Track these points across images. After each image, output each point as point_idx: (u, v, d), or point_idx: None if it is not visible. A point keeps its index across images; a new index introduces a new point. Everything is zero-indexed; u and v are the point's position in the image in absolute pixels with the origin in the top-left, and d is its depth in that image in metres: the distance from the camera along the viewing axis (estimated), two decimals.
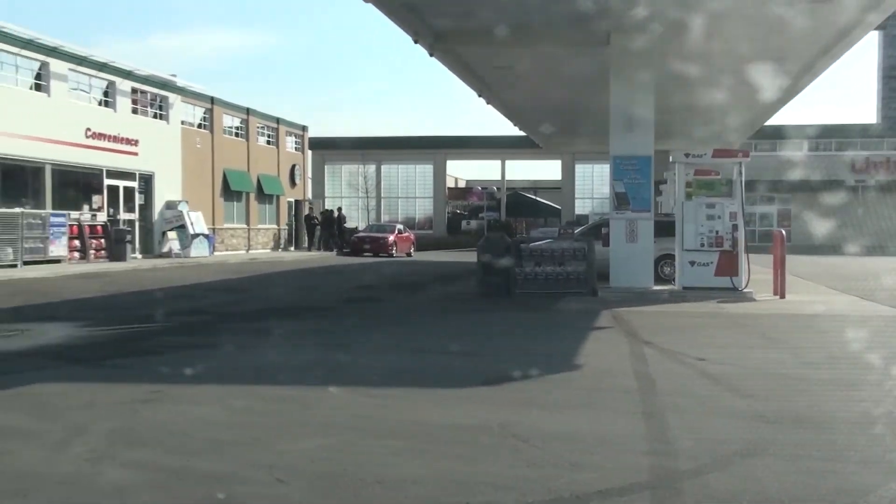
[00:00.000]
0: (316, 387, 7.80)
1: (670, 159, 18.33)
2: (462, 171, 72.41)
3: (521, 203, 69.57)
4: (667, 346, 10.28)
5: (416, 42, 17.98)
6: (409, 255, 41.33)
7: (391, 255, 39.62)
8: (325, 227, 43.13)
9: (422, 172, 66.47)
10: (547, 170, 66.68)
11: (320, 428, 6.25)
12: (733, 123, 29.17)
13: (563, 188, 63.78)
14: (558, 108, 26.30)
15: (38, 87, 24.83)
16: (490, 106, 27.07)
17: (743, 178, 16.89)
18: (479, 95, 25.04)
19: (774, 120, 33.87)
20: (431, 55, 19.00)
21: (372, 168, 63.87)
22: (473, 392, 7.64)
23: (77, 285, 19.30)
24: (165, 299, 17.22)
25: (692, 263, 16.68)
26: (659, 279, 18.21)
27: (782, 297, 16.30)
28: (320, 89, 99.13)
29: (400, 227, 43.90)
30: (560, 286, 16.99)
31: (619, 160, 17.29)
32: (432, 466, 5.27)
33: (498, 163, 65.31)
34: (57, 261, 23.97)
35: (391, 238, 40.71)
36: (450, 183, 66.81)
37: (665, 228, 18.03)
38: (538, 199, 71.05)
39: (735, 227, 16.49)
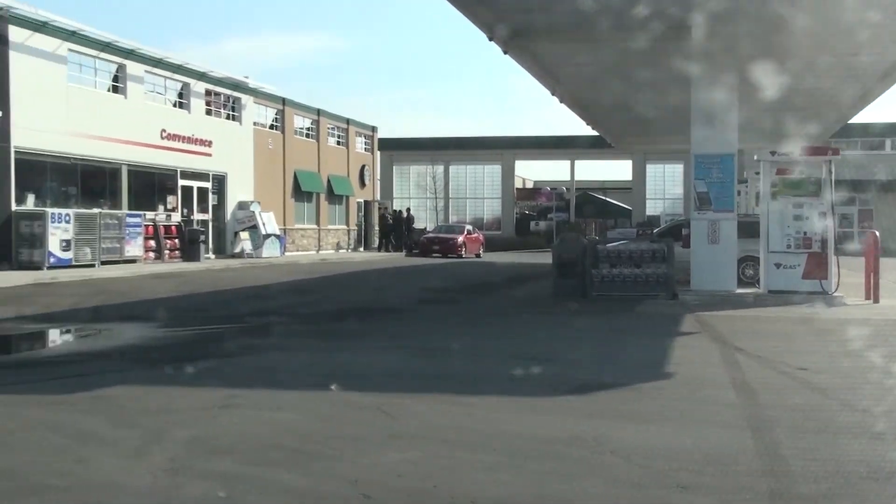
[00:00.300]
0: (398, 393, 7.51)
1: (755, 157, 17.64)
2: (530, 171, 71.80)
3: (590, 204, 68.67)
4: (761, 353, 9.74)
5: (490, 39, 17.63)
6: (478, 256, 41.03)
7: (460, 256, 39.34)
8: (395, 228, 43.15)
9: (490, 173, 66.13)
10: (617, 170, 65.69)
11: (406, 439, 5.94)
12: (819, 119, 28.14)
13: (634, 189, 62.74)
14: (635, 106, 25.66)
15: (115, 90, 25.17)
16: (562, 105, 26.58)
17: (833, 177, 16.13)
18: (553, 94, 24.57)
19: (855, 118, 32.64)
20: (506, 53, 18.63)
21: (440, 169, 63.80)
22: (562, 402, 7.26)
23: (152, 285, 19.42)
24: (239, 300, 17.19)
25: (778, 266, 15.98)
26: (740, 282, 17.53)
27: (876, 301, 15.51)
28: (388, 91, 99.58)
29: (469, 227, 43.60)
30: (638, 289, 16.45)
31: (701, 158, 16.68)
32: (527, 484, 4.91)
33: (566, 163, 64.59)
34: (132, 261, 24.24)
35: (460, 239, 40.45)
36: (517, 184, 66.32)
37: (747, 229, 17.36)
38: (608, 199, 70.11)
39: (825, 228, 15.76)
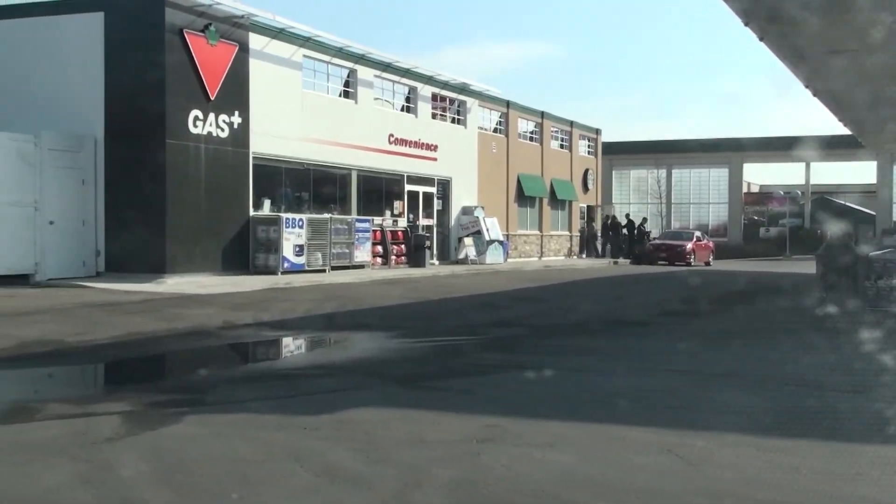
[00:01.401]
0: (681, 430, 6.23)
1: None
2: (758, 174, 67.51)
3: (827, 208, 63.78)
4: None
5: (746, 25, 15.90)
6: (707, 264, 38.67)
7: (689, 265, 37.18)
8: (616, 235, 41.59)
9: (716, 177, 62.98)
10: (857, 172, 60.54)
11: (721, 499, 4.67)
12: None
13: (879, 192, 57.55)
14: None
15: (346, 94, 25.32)
16: (815, 98, 24.09)
17: None
18: (806, 86, 22.29)
19: None
20: (761, 39, 16.79)
21: (662, 173, 61.39)
22: (886, 453, 5.72)
23: (382, 291, 19.09)
24: (470, 309, 16.41)
25: None
26: None
27: None
28: (607, 95, 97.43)
29: (698, 234, 41.24)
30: None
31: None
32: None
33: (798, 166, 60.25)
34: (361, 266, 24.23)
35: (689, 246, 38.23)
36: (744, 188, 62.57)
37: None
38: (848, 203, 64.79)
39: None
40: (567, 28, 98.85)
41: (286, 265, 21.26)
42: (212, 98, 19.97)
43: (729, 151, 60.02)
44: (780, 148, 57.66)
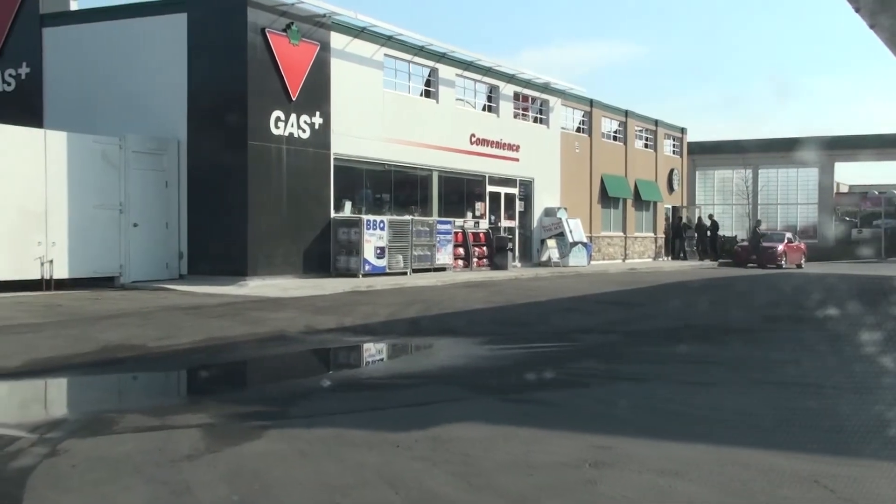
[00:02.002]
0: (824, 455, 5.49)
1: None
2: (847, 174, 64.89)
3: None
4: None
5: (857, 11, 14.86)
6: (799, 266, 37.16)
7: (780, 267, 35.79)
8: (700, 236, 40.39)
9: (804, 176, 60.85)
10: None
11: None
12: None
13: None
14: None
15: (426, 94, 24.86)
16: None
17: None
18: None
19: None
20: (872, 27, 15.71)
21: (748, 173, 59.60)
22: None
23: (465, 294, 18.54)
24: (557, 313, 15.73)
25: None
26: None
27: None
28: (689, 95, 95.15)
29: (789, 235, 39.68)
30: None
31: None
32: None
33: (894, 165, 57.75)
34: (442, 268, 23.73)
35: (780, 248, 36.80)
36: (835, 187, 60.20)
37: None
38: None
39: None
40: (647, 26, 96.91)
41: (367, 267, 20.88)
42: (293, 98, 19.72)
43: (819, 150, 57.92)
44: (875, 145, 55.43)
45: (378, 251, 21.27)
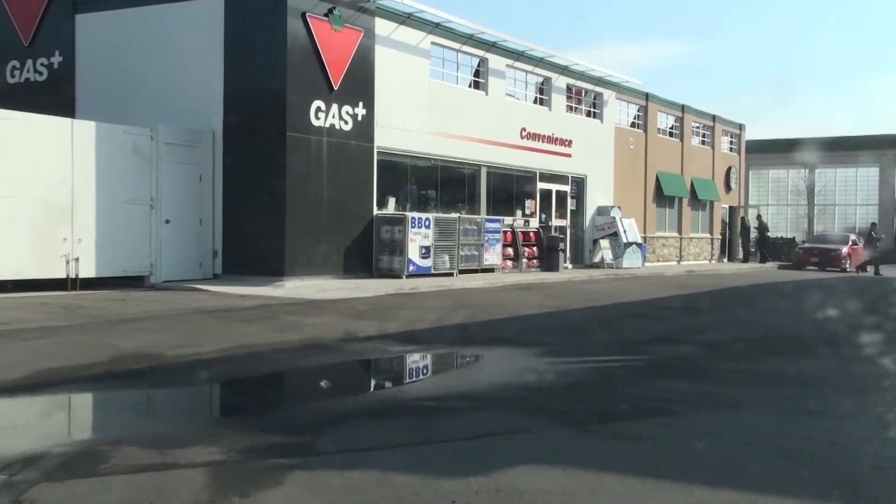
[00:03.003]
0: None
1: None
2: None
3: None
4: None
5: None
6: (862, 270, 35.19)
7: (843, 270, 33.94)
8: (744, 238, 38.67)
9: (864, 176, 58.58)
10: None
11: None
12: None
13: None
14: None
15: (475, 85, 23.59)
16: None
17: None
18: None
19: None
20: None
21: (804, 172, 57.57)
22: None
23: (516, 298, 17.25)
24: (620, 320, 14.36)
25: None
26: None
27: None
28: (752, 91, 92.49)
29: (853, 237, 37.76)
30: None
31: None
32: None
33: None
34: (490, 269, 22.45)
35: (844, 250, 34.94)
36: None
37: None
38: None
39: None
40: (700, 25, 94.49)
41: (411, 268, 19.67)
42: (335, 88, 18.57)
43: (880, 149, 55.71)
44: None
45: (423, 251, 20.05)
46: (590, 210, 28.32)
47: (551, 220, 26.52)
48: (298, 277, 17.66)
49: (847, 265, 34.57)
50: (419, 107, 21.17)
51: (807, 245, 37.32)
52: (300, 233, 17.86)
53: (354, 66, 19.04)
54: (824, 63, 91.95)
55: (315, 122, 18.14)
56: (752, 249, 39.56)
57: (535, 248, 24.86)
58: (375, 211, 19.90)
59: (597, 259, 28.10)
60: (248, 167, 17.86)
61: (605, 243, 28.02)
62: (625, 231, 28.43)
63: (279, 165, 17.59)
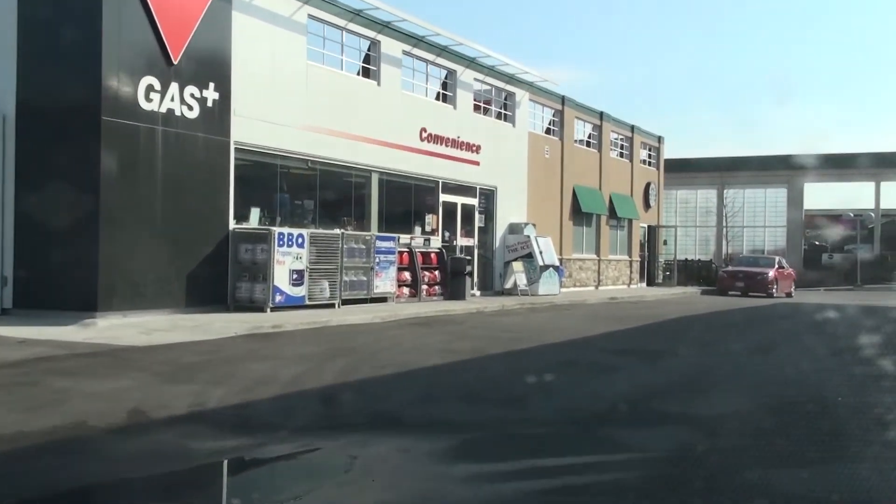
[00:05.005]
0: None
1: None
2: (817, 195, 60.97)
3: None
4: None
5: None
6: (789, 295, 32.42)
7: (770, 295, 30.94)
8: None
9: (772, 197, 56.89)
10: None
11: None
12: None
13: None
14: None
15: (365, 73, 19.34)
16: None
17: None
18: None
19: None
20: None
21: (712, 193, 55.57)
22: None
23: (413, 339, 13.02)
24: (559, 373, 10.21)
25: None
26: None
27: None
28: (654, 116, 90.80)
29: (780, 259, 35.04)
30: None
31: None
32: None
33: (868, 185, 53.91)
34: (382, 299, 18.17)
35: (771, 274, 31.95)
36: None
37: None
38: None
39: None
40: (597, 54, 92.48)
41: (278, 298, 15.22)
42: (174, 61, 14.04)
43: (788, 170, 54.14)
44: (843, 165, 51.91)
45: (294, 276, 15.61)
46: (500, 227, 24.32)
47: (456, 238, 22.41)
48: (120, 313, 13.00)
49: (774, 290, 31.60)
50: (293, 96, 16.80)
51: (731, 269, 34.26)
52: (122, 253, 13.20)
53: (203, 35, 14.55)
54: (719, 88, 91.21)
55: (146, 106, 13.56)
56: (667, 273, 36.56)
57: (436, 273, 20.67)
58: (232, 225, 15.40)
59: (508, 285, 24.12)
60: (50, 164, 13.17)
61: (518, 266, 24.05)
62: (541, 252, 24.55)
63: (92, 162, 12.93)
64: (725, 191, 53.11)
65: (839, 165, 52.36)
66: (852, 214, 53.91)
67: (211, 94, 14.76)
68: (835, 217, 58.73)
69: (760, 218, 57.33)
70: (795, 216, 55.25)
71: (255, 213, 16.04)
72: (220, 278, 15.11)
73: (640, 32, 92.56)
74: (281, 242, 15.27)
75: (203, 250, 14.75)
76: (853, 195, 56.36)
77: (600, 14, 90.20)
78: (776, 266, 33.29)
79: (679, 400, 8.52)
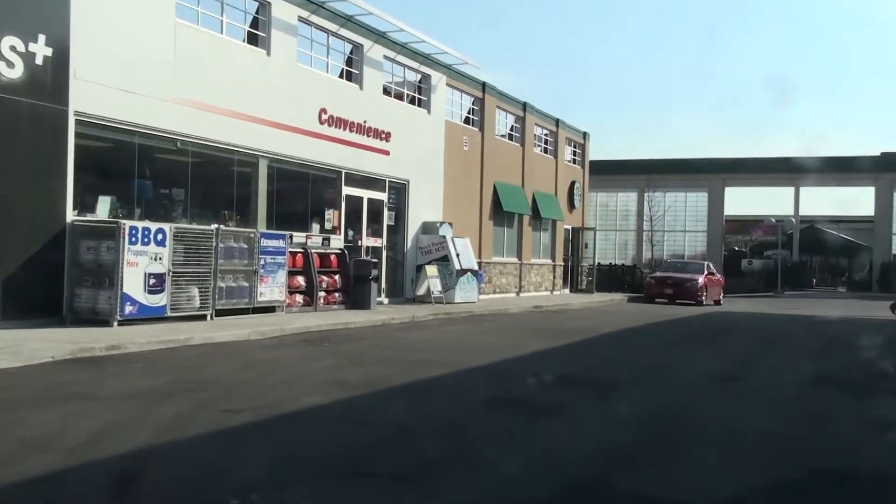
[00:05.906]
0: None
1: None
2: (737, 200, 60.00)
3: (819, 240, 56.94)
4: None
5: None
6: (717, 302, 30.57)
7: (699, 303, 28.99)
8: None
9: (693, 201, 55.72)
10: (854, 200, 53.45)
11: None
12: None
13: (877, 222, 51.07)
14: None
15: (253, 40, 16.30)
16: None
17: None
18: None
19: None
20: None
21: (632, 196, 54.18)
22: None
23: (294, 365, 10.12)
24: (482, 415, 7.44)
25: None
26: None
27: None
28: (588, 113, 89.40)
29: (709, 265, 33.21)
30: None
31: None
32: None
33: (787, 191, 53.13)
34: (269, 308, 15.19)
35: (700, 280, 29.95)
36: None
37: None
38: (842, 234, 58.07)
39: None
40: (526, 58, 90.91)
41: (130, 309, 12.10)
42: None
43: (710, 173, 53.04)
44: (764, 170, 51.12)
45: (152, 281, 12.51)
46: (413, 226, 21.51)
47: (361, 238, 19.50)
48: None
49: (703, 298, 29.65)
50: (158, 59, 13.68)
51: (659, 274, 32.14)
52: None
53: None
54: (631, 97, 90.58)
55: None
56: (590, 279, 34.34)
57: (337, 278, 17.74)
58: (71, 216, 12.22)
59: (421, 291, 21.31)
60: None
61: (432, 270, 21.25)
62: (458, 255, 21.82)
63: None
64: (647, 194, 51.48)
65: (760, 170, 51.45)
66: (774, 220, 52.93)
67: (40, 50, 11.58)
68: (756, 222, 57.87)
69: (681, 222, 56.08)
70: (716, 221, 54.13)
71: (103, 203, 12.88)
72: (54, 283, 11.92)
73: (567, 36, 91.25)
74: (134, 239, 12.15)
75: (28, 249, 11.56)
76: (773, 200, 55.57)
77: (533, 19, 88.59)
78: (706, 272, 31.38)
79: (654, 469, 5.82)
